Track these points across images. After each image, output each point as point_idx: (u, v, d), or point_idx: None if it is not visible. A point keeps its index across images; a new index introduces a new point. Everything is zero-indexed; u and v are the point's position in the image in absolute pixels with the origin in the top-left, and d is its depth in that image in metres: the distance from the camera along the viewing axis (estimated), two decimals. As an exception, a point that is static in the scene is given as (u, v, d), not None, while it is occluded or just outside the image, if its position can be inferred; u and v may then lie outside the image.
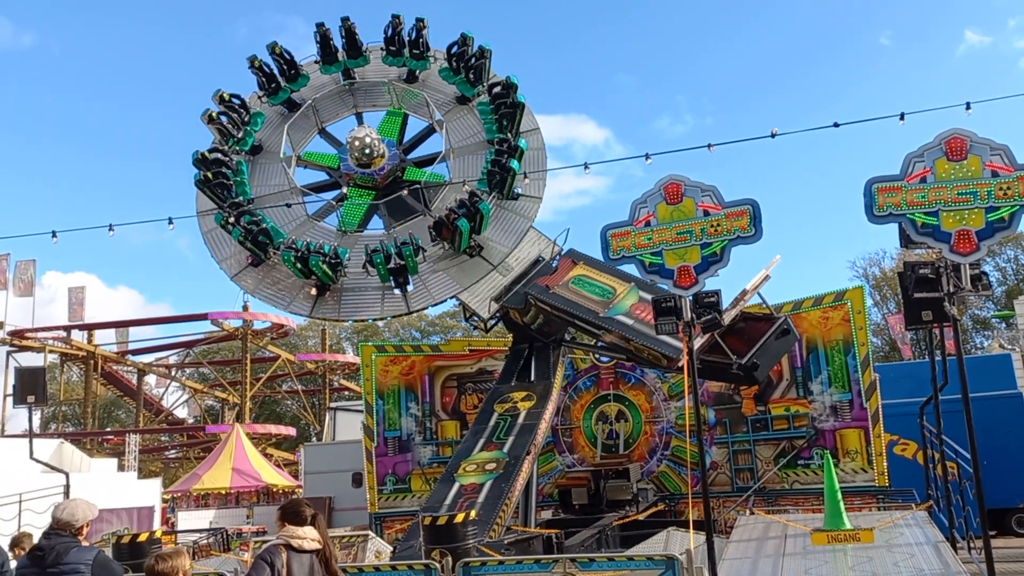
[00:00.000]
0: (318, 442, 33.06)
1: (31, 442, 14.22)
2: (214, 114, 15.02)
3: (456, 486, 11.28)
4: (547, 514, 15.46)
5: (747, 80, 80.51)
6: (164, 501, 26.28)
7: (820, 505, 11.00)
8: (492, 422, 12.61)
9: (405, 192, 14.95)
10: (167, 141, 79.40)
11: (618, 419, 17.39)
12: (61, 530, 4.53)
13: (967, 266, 8.68)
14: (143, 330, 44.24)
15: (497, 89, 14.80)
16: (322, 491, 22.16)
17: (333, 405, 34.26)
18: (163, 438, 47.83)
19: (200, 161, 14.34)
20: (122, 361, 45.09)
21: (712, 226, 9.52)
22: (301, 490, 25.25)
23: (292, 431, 42.84)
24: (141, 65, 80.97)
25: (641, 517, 13.78)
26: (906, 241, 9.86)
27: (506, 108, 14.45)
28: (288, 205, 14.71)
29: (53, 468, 15.42)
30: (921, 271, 8.79)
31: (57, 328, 41.23)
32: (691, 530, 9.95)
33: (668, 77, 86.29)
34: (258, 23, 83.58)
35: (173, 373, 47.88)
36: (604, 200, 77.76)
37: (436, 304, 14.59)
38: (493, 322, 14.89)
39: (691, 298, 9.57)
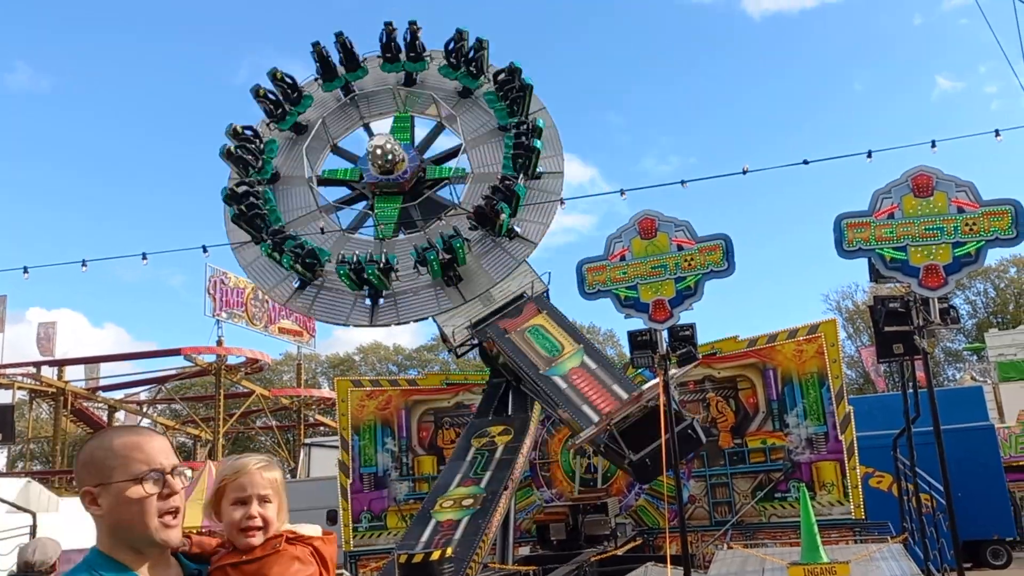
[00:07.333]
0: (292, 479, 32.56)
1: (-3, 481, 13.91)
2: (232, 148, 15.26)
3: (432, 523, 11.15)
4: (525, 550, 15.31)
5: (731, 122, 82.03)
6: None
7: (798, 538, 11.00)
8: (469, 457, 12.51)
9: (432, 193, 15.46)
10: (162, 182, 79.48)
11: (596, 453, 17.32)
12: (38, 571, 4.43)
13: (935, 300, 8.84)
14: (117, 366, 43.44)
15: (502, 76, 15.22)
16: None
17: (308, 441, 33.82)
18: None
19: (231, 197, 14.62)
20: (93, 397, 44.28)
21: (686, 260, 9.64)
22: (275, 528, 24.75)
23: (266, 468, 41.99)
24: (146, 111, 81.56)
25: (619, 552, 13.69)
26: (876, 275, 10.04)
27: (515, 92, 14.91)
28: (322, 231, 15.03)
29: (19, 508, 15.05)
30: (891, 305, 8.93)
31: (26, 364, 40.49)
32: (668, 565, 9.91)
33: (655, 118, 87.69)
34: (260, 64, 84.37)
35: (145, 409, 47.06)
36: (589, 237, 78.81)
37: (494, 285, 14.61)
38: (465, 349, 15.01)
39: (666, 332, 9.65)
